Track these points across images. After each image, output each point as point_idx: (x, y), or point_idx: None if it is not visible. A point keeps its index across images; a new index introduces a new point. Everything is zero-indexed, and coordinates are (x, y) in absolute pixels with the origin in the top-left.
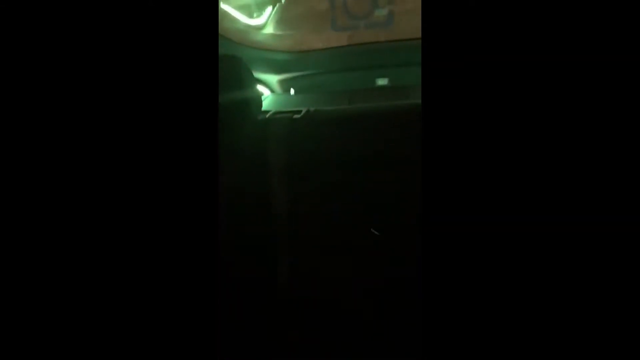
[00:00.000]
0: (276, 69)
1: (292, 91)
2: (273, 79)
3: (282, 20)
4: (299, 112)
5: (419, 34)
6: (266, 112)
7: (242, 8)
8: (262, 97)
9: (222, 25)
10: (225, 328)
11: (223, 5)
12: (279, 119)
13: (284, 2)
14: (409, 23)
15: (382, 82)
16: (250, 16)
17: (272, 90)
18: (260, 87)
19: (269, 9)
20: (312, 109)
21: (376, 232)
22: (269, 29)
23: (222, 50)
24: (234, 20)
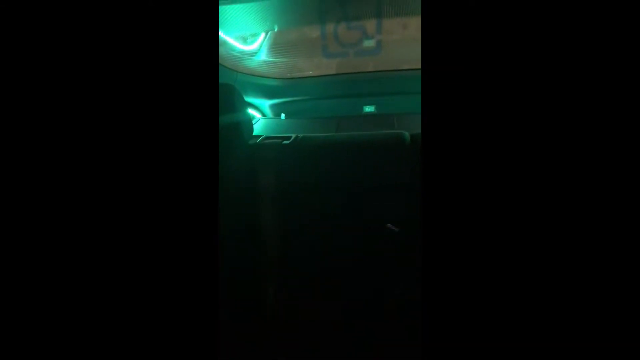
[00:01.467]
0: (268, 94)
1: (282, 116)
2: (264, 103)
3: (274, 46)
4: (288, 138)
5: (405, 64)
6: (257, 137)
7: (237, 35)
8: (254, 121)
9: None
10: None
11: (219, 32)
12: (269, 144)
13: (277, 29)
14: (396, 52)
15: (369, 109)
16: (244, 43)
17: (263, 115)
18: (251, 111)
19: (262, 35)
20: (300, 135)
21: (394, 228)
22: (262, 56)
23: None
24: (228, 46)
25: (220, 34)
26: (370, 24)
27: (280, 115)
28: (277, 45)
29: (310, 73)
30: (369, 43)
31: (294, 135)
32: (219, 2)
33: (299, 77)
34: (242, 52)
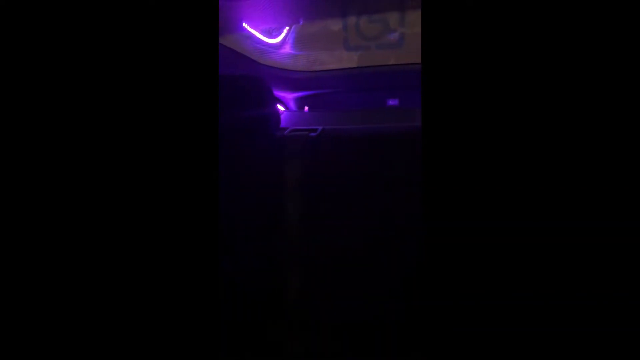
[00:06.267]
0: (292, 87)
1: (306, 109)
2: (288, 96)
3: (297, 39)
4: (314, 130)
5: None
6: (284, 129)
7: (262, 28)
8: None
9: (245, 45)
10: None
11: (245, 26)
12: (296, 136)
13: (301, 22)
14: (419, 45)
15: (392, 103)
16: (269, 36)
17: (286, 107)
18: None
19: (286, 28)
20: (327, 127)
21: None
22: (286, 48)
23: (244, 69)
24: (253, 39)
25: (247, 27)
26: (393, 17)
27: (303, 108)
28: (300, 39)
29: (332, 66)
30: (391, 35)
31: (320, 128)
32: None
33: (322, 70)
34: (267, 45)
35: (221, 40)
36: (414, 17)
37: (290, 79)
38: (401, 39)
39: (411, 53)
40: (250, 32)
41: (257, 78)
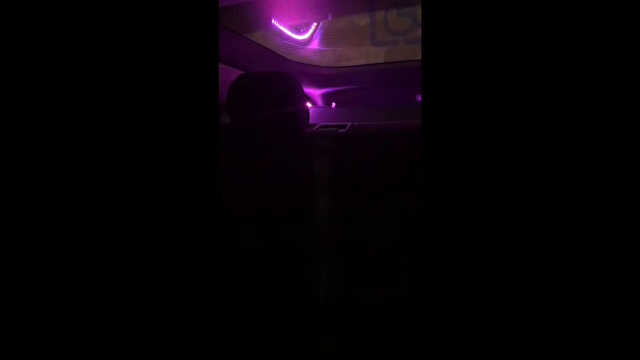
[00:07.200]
0: (319, 83)
1: (333, 105)
2: (315, 92)
3: (324, 35)
4: (343, 126)
5: None
6: (312, 125)
7: (291, 25)
8: None
9: (274, 42)
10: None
11: (274, 23)
12: (325, 132)
13: (330, 18)
14: None
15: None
16: (297, 32)
17: (313, 104)
18: None
19: (314, 24)
20: (356, 123)
21: None
22: (313, 44)
23: (274, 65)
24: (283, 36)
25: (276, 24)
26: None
27: (330, 104)
28: (327, 34)
29: (359, 62)
30: (419, 30)
31: (349, 124)
32: None
33: (349, 66)
34: (295, 42)
35: (251, 37)
36: None
37: (318, 75)
38: None
39: None
40: (279, 28)
41: (290, 75)
